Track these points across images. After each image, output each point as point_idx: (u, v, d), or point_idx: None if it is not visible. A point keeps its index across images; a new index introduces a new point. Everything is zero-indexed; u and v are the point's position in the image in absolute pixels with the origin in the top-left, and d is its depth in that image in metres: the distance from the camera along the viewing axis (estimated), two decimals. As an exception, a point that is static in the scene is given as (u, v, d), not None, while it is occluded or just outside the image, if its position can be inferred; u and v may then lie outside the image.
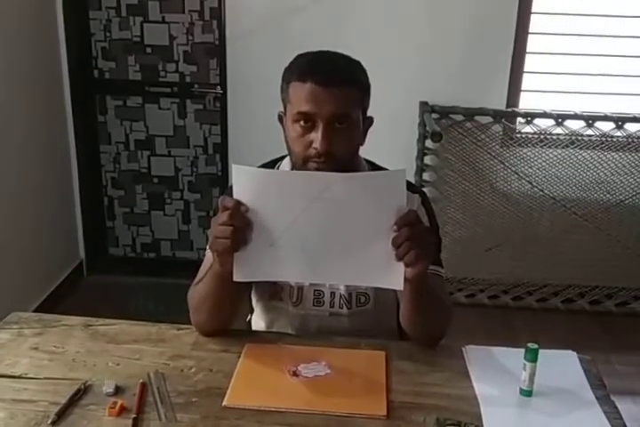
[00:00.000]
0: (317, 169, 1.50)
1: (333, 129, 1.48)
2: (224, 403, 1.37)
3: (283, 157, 1.70)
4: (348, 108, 1.50)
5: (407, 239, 1.34)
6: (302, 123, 1.50)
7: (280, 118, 1.60)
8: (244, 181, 1.40)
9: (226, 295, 1.52)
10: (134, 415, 1.31)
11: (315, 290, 1.65)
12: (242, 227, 1.37)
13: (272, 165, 1.71)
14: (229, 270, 1.42)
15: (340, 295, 1.65)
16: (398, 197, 1.36)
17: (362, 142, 1.59)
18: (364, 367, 1.50)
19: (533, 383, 1.41)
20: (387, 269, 1.38)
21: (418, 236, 1.35)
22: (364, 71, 1.57)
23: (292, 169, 1.63)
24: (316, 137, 1.48)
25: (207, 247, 1.56)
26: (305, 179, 1.40)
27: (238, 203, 1.38)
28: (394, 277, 1.38)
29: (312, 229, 1.39)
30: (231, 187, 1.65)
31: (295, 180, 1.42)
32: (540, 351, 1.40)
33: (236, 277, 1.42)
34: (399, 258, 1.35)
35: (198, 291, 1.57)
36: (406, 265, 1.36)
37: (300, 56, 1.58)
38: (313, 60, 1.55)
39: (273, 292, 1.68)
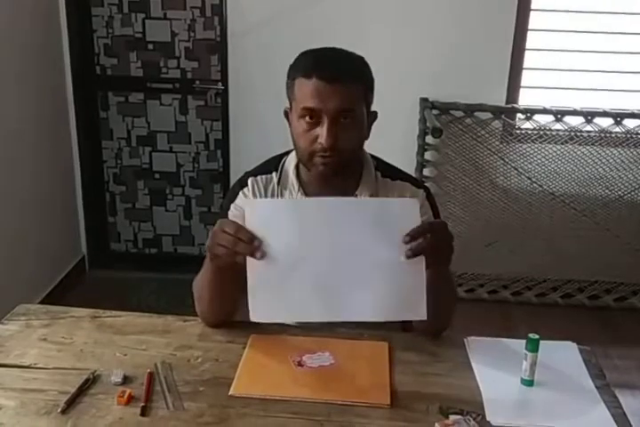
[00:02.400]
0: (323, 164, 1.54)
1: (338, 124, 1.51)
2: (230, 392, 1.39)
3: (287, 153, 1.72)
4: (353, 103, 1.53)
5: (429, 248, 1.36)
6: (308, 118, 1.52)
7: (286, 114, 1.63)
8: (256, 213, 1.40)
9: (224, 285, 1.54)
10: (143, 404, 1.34)
11: None
12: (247, 242, 1.38)
13: (277, 160, 1.72)
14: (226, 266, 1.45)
15: None
16: (412, 225, 1.36)
17: (366, 137, 1.62)
18: (368, 358, 1.53)
19: (534, 373, 1.44)
20: (408, 300, 1.38)
21: (438, 243, 1.38)
22: (367, 67, 1.59)
23: (298, 164, 1.66)
24: (322, 132, 1.51)
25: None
26: (317, 205, 1.42)
27: (253, 236, 1.38)
28: (416, 307, 1.37)
29: (326, 261, 1.38)
30: (232, 190, 1.70)
31: (308, 206, 1.43)
32: (541, 342, 1.43)
33: (253, 318, 1.40)
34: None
35: (199, 281, 1.61)
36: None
37: (304, 53, 1.60)
38: (317, 57, 1.57)
39: None
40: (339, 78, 1.50)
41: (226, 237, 1.38)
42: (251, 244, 1.36)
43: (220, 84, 3.58)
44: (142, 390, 1.38)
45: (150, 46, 3.61)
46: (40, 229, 3.41)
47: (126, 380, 1.42)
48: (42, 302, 3.28)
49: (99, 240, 3.95)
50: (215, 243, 1.41)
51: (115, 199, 3.91)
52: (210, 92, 3.62)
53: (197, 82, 3.62)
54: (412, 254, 1.35)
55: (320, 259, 1.38)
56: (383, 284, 1.37)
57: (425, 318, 1.37)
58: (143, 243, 3.99)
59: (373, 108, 1.63)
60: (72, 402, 1.34)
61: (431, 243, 1.36)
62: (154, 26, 3.57)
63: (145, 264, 3.93)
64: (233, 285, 1.54)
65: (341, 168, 1.57)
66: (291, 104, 1.60)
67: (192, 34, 3.57)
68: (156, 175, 3.84)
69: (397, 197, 1.54)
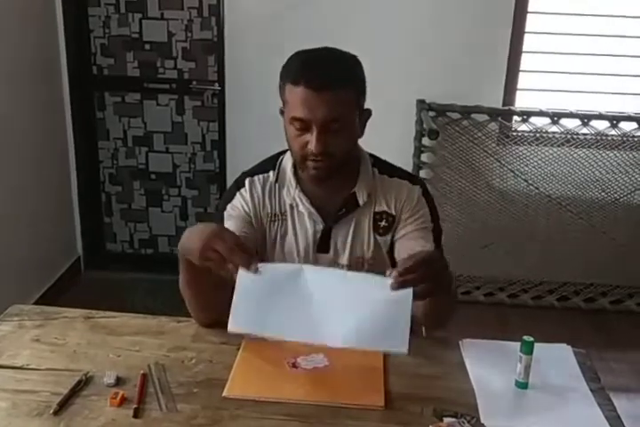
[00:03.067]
0: (315, 168, 1.55)
1: (328, 131, 1.51)
2: (224, 394, 1.39)
3: (284, 151, 1.72)
4: (342, 110, 1.52)
5: (420, 281, 1.31)
6: (297, 125, 1.53)
7: (281, 112, 1.62)
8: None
9: (201, 281, 1.52)
10: (135, 406, 1.33)
11: None
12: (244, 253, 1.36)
13: (274, 159, 1.73)
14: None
15: None
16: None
17: (360, 135, 1.62)
18: (363, 360, 1.52)
19: (529, 376, 1.44)
20: (390, 332, 1.33)
21: (430, 276, 1.32)
22: (359, 66, 1.58)
23: (294, 164, 1.66)
24: (311, 139, 1.52)
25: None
26: (313, 275, 1.39)
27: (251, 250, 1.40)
28: (398, 339, 1.31)
29: (316, 285, 1.37)
30: (229, 191, 1.71)
31: (303, 273, 1.40)
32: (536, 345, 1.43)
33: (230, 327, 1.35)
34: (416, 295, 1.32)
35: (180, 282, 1.58)
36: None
37: (295, 55, 1.58)
38: (306, 62, 1.55)
39: None
40: (327, 86, 1.49)
41: (223, 245, 1.34)
42: (248, 255, 1.34)
43: (216, 84, 3.57)
44: (135, 391, 1.38)
45: (147, 46, 3.60)
46: (36, 229, 3.40)
47: (119, 381, 1.41)
48: (36, 303, 3.27)
49: (94, 241, 3.94)
50: (210, 247, 1.35)
51: (110, 200, 3.90)
52: (206, 93, 3.61)
53: (194, 82, 3.62)
54: (398, 287, 1.30)
55: (311, 282, 1.36)
56: (368, 312, 1.33)
57: (406, 352, 1.30)
58: (139, 244, 3.98)
59: (369, 107, 1.63)
60: (64, 403, 1.34)
61: (422, 276, 1.30)
62: (151, 26, 3.57)
63: (141, 265, 3.92)
64: (210, 279, 1.47)
65: (334, 171, 1.57)
66: (283, 105, 1.59)
67: (189, 34, 3.57)
68: (152, 176, 3.83)
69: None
